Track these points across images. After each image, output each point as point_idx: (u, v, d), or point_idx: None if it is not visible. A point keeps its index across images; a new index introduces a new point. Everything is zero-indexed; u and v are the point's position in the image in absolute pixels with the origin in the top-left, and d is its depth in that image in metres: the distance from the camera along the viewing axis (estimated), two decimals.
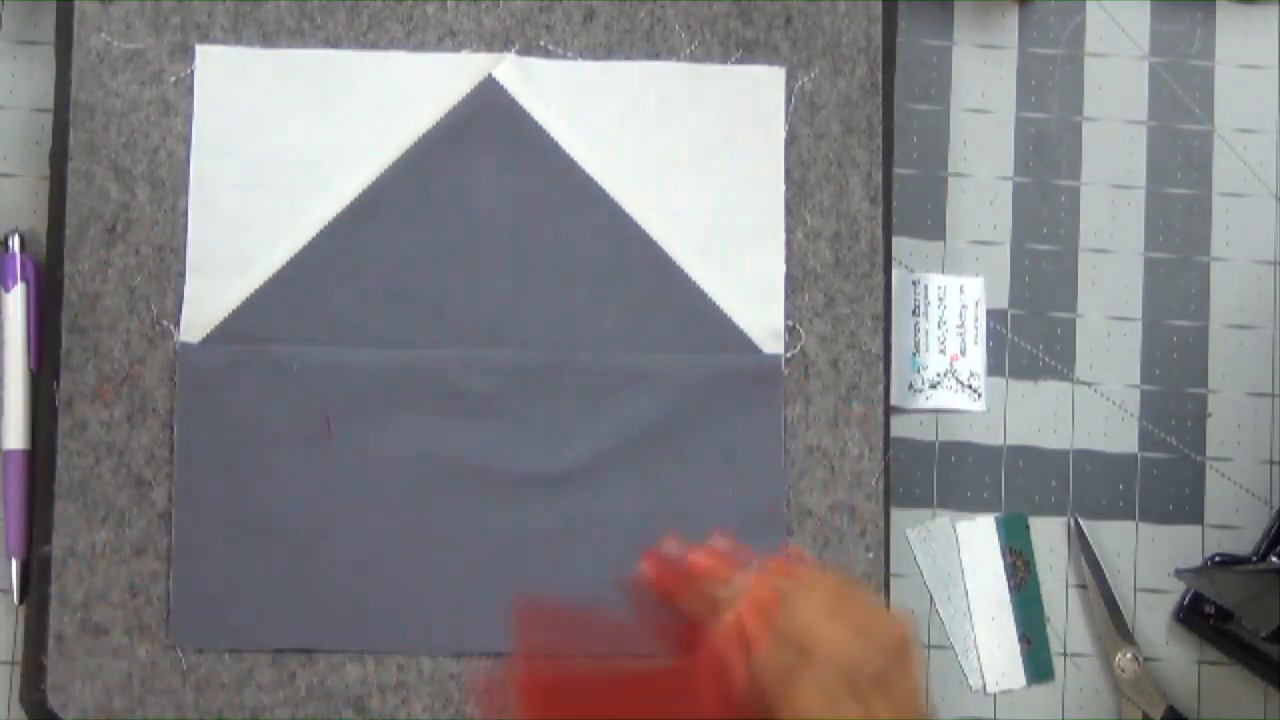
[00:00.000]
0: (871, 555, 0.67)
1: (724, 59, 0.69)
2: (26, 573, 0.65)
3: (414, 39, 0.68)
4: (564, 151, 0.68)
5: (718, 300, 0.68)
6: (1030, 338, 0.72)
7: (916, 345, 0.71)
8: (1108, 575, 0.70)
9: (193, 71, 0.67)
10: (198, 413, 0.65)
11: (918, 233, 0.72)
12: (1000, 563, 0.70)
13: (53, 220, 0.66)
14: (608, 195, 0.68)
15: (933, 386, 0.71)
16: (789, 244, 0.68)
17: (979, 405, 0.71)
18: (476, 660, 0.65)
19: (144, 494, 0.65)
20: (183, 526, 0.65)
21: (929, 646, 0.70)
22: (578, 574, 0.66)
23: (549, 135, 0.68)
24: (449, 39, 0.68)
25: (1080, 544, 0.70)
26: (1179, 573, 0.70)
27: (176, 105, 0.66)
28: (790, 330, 0.68)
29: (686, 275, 0.68)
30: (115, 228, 0.66)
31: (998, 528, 0.71)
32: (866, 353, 0.68)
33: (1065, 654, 0.70)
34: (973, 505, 0.71)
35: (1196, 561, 0.71)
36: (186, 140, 0.66)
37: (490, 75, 0.68)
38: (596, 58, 0.68)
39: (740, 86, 0.69)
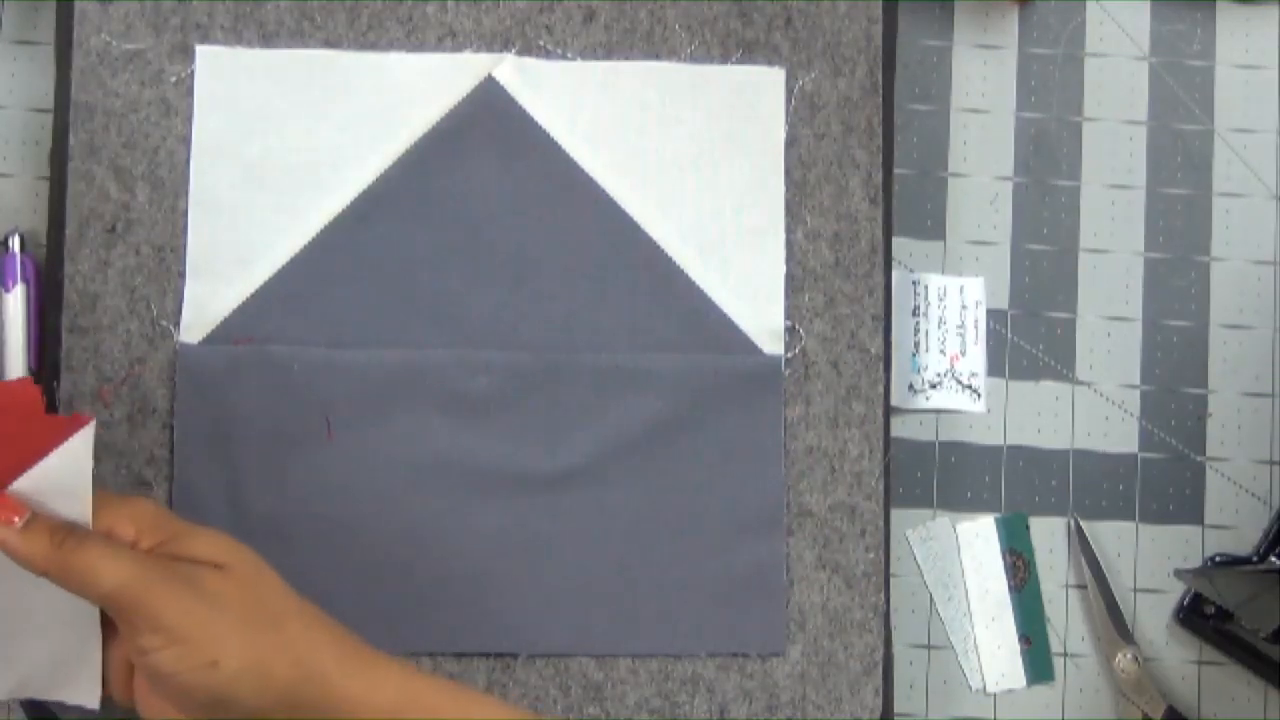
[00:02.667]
0: (871, 555, 0.67)
1: (724, 59, 0.69)
2: None
3: (414, 39, 0.68)
4: (564, 151, 0.68)
5: (718, 300, 0.68)
6: (1030, 338, 0.72)
7: (916, 345, 0.71)
8: (1107, 575, 0.70)
9: (193, 71, 0.67)
10: (198, 413, 0.65)
11: (918, 233, 0.72)
12: (1000, 563, 0.70)
13: (53, 220, 0.66)
14: (608, 195, 0.68)
15: (933, 386, 0.71)
16: (789, 244, 0.68)
17: (979, 405, 0.71)
18: (477, 660, 0.65)
19: (144, 494, 0.65)
20: None
21: (929, 647, 0.70)
22: (577, 574, 0.66)
23: (549, 135, 0.68)
24: (449, 39, 0.68)
25: (1080, 544, 0.70)
26: (1179, 573, 0.70)
27: (176, 105, 0.66)
28: (790, 330, 0.68)
29: (686, 275, 0.68)
30: (115, 228, 0.66)
31: (998, 528, 0.71)
32: (866, 353, 0.68)
33: (1065, 654, 0.70)
34: (973, 505, 0.71)
35: (1196, 561, 0.71)
36: (186, 140, 0.66)
37: (490, 75, 0.68)
38: (596, 58, 0.68)
39: (740, 86, 0.69)
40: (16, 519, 0.50)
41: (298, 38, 0.67)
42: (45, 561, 0.50)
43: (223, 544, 0.53)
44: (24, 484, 0.50)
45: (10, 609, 0.54)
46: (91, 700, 0.55)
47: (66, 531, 0.50)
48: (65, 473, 0.50)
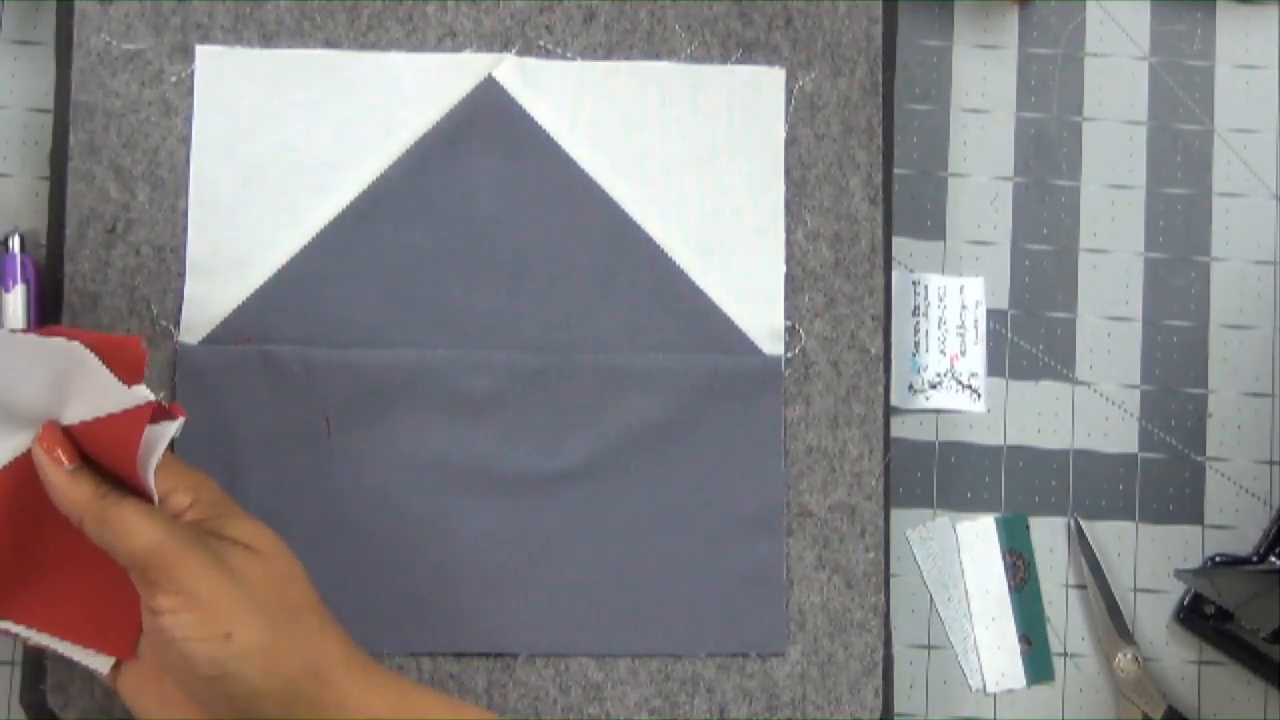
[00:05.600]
0: (871, 555, 0.67)
1: (724, 59, 0.69)
2: None
3: (414, 39, 0.68)
4: (564, 151, 0.68)
5: (718, 300, 0.68)
6: (1030, 338, 0.72)
7: (916, 345, 0.71)
8: (1107, 575, 0.70)
9: (193, 71, 0.67)
10: (198, 413, 0.65)
11: (918, 233, 0.72)
12: (1000, 563, 0.70)
13: (53, 220, 0.66)
14: (608, 195, 0.68)
15: (933, 387, 0.71)
16: (789, 244, 0.68)
17: (979, 405, 0.71)
18: (476, 660, 0.65)
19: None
20: None
21: (929, 647, 0.70)
22: (577, 575, 0.66)
23: (549, 135, 0.68)
24: (449, 39, 0.68)
25: (1080, 544, 0.70)
26: (1179, 573, 0.70)
27: (176, 105, 0.66)
28: (790, 331, 0.68)
29: (686, 275, 0.68)
30: (115, 228, 0.66)
31: (998, 528, 0.71)
32: (866, 353, 0.68)
33: (1065, 654, 0.70)
34: (973, 505, 0.71)
35: (1196, 561, 0.71)
36: (186, 140, 0.66)
37: (490, 75, 0.68)
38: (596, 58, 0.68)
39: (740, 86, 0.69)
40: (67, 462, 0.52)
41: (298, 38, 0.67)
42: (84, 509, 0.51)
43: (260, 532, 0.55)
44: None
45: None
46: (103, 666, 0.56)
47: (109, 487, 0.52)
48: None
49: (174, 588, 0.50)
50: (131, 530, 0.51)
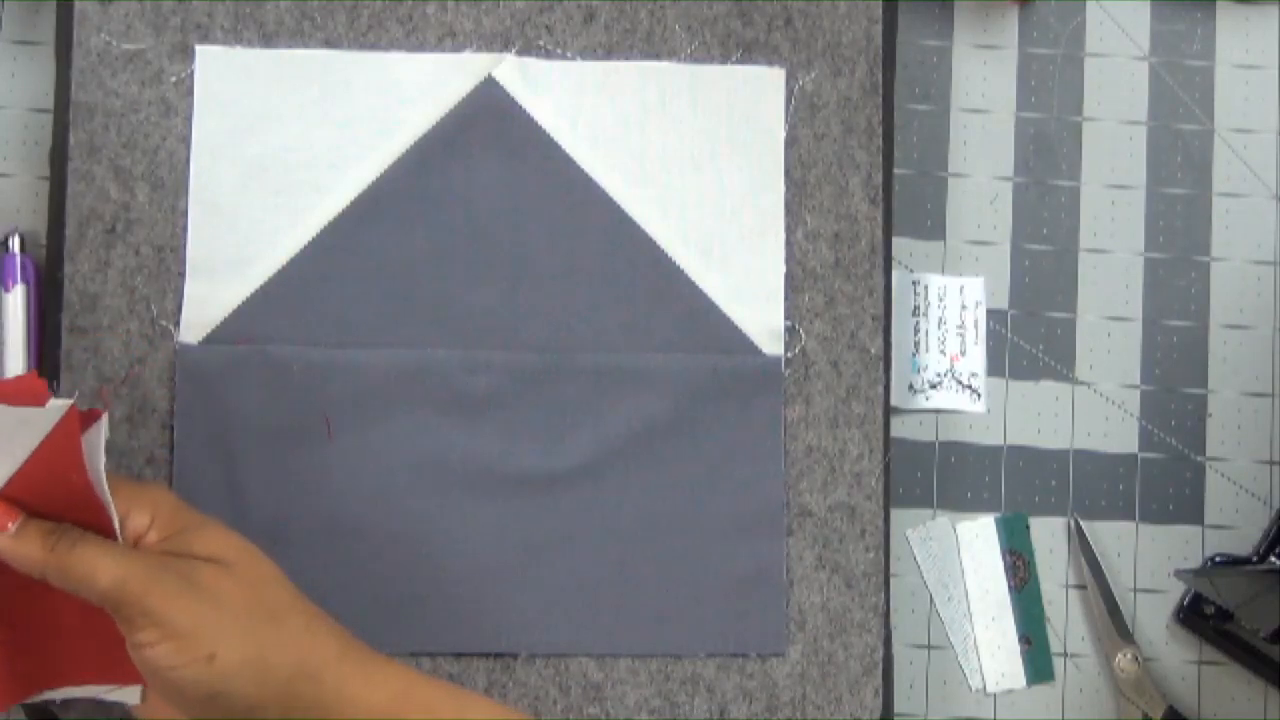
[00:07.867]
0: (871, 555, 0.67)
1: (724, 59, 0.69)
2: None
3: (414, 39, 0.68)
4: (564, 151, 0.68)
5: (718, 301, 0.68)
6: (1030, 338, 0.72)
7: (916, 345, 0.71)
8: (1107, 575, 0.70)
9: (193, 71, 0.67)
10: (197, 413, 0.65)
11: (918, 233, 0.72)
12: (1000, 563, 0.71)
13: (53, 220, 0.66)
14: (608, 195, 0.68)
15: (933, 387, 0.71)
16: (789, 244, 0.68)
17: (979, 405, 0.71)
18: (476, 660, 0.65)
19: None
20: None
21: (929, 647, 0.70)
22: (577, 575, 0.66)
23: (549, 135, 0.68)
24: (449, 39, 0.68)
25: (1080, 544, 0.70)
26: (1179, 573, 0.70)
27: (176, 105, 0.66)
28: (790, 331, 0.68)
29: (686, 275, 0.68)
30: (115, 228, 0.66)
31: (998, 528, 0.71)
32: (866, 353, 0.68)
33: (1065, 654, 0.70)
34: (973, 505, 0.71)
35: (1196, 561, 0.71)
36: (186, 140, 0.66)
37: (490, 75, 0.68)
38: (596, 58, 0.68)
39: (740, 86, 0.69)
40: (11, 524, 0.50)
41: (298, 38, 0.67)
42: (40, 564, 0.50)
43: (227, 541, 0.53)
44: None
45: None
46: (133, 696, 0.56)
47: (59, 533, 0.51)
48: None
49: (148, 620, 0.49)
50: (95, 571, 0.50)
